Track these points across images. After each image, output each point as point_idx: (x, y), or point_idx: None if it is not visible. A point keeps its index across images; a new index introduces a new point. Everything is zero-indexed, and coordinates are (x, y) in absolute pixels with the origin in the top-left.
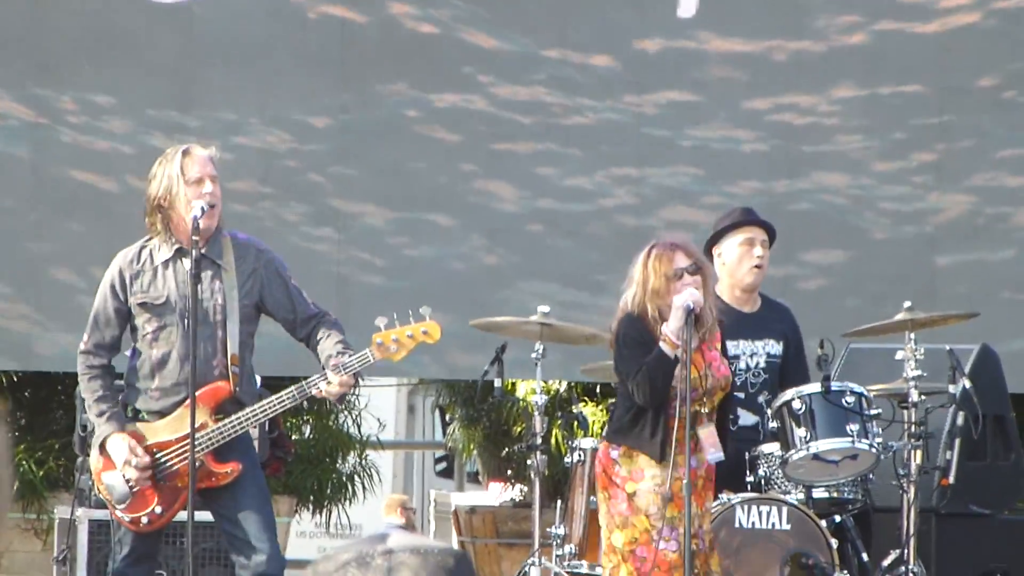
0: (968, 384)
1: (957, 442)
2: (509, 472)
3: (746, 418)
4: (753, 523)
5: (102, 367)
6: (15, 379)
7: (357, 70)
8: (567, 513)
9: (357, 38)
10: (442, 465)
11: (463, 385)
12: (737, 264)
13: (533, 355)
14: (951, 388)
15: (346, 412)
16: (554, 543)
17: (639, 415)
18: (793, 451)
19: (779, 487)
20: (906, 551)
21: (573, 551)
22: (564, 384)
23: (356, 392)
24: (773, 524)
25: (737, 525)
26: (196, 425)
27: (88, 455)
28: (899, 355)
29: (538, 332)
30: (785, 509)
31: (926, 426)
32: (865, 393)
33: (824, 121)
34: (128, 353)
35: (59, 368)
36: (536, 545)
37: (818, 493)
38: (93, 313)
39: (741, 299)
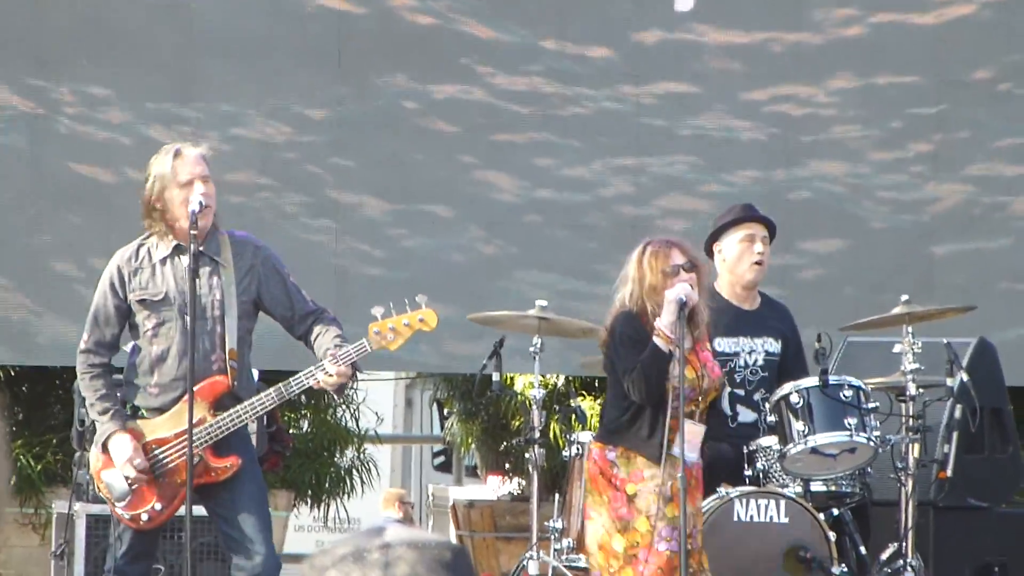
0: (966, 377)
1: (955, 435)
2: (507, 466)
3: (745, 415)
4: (751, 516)
5: (103, 366)
6: (12, 373)
7: (355, 61)
8: (565, 507)
9: (355, 29)
10: (440, 459)
11: (461, 379)
12: (737, 260)
13: (531, 349)
14: (949, 381)
15: (344, 406)
16: (552, 537)
17: (637, 415)
18: (791, 445)
19: (777, 480)
20: (904, 544)
21: (571, 545)
22: (562, 378)
23: (354, 386)
24: (771, 517)
25: (735, 518)
26: (195, 420)
27: (86, 450)
28: (897, 348)
29: (536, 326)
30: (783, 502)
31: (924, 419)
32: (863, 387)
33: (821, 112)
34: (128, 349)
35: (59, 361)
36: (534, 539)
37: (816, 486)
38: (92, 311)
39: (741, 296)
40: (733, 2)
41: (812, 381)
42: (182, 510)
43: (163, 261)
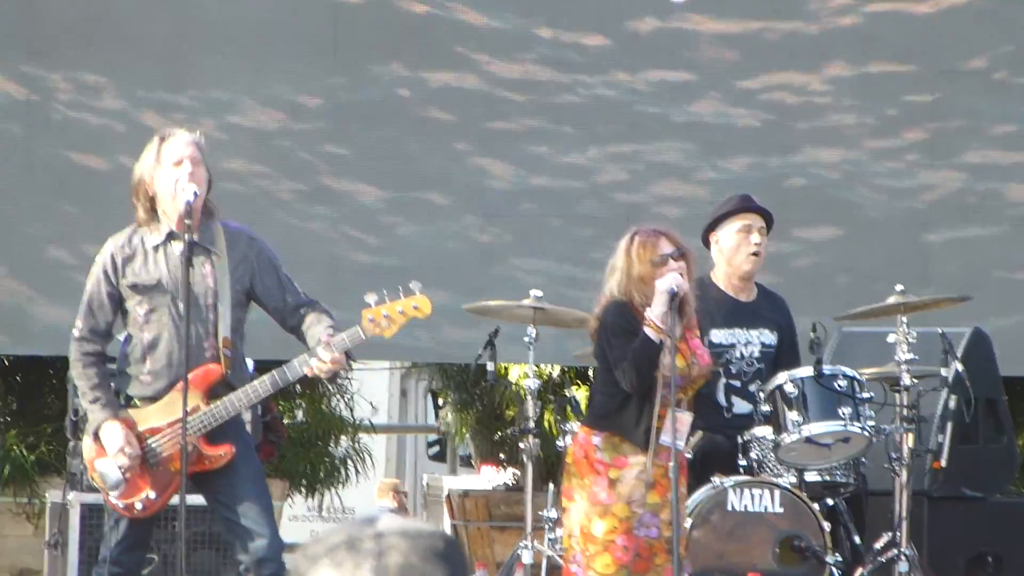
0: (960, 367)
1: (949, 425)
2: (502, 456)
3: (740, 406)
4: (745, 506)
5: (96, 354)
6: (6, 363)
7: (350, 49)
8: (560, 497)
9: (350, 17)
10: (435, 449)
11: (456, 369)
12: (734, 251)
13: (526, 339)
14: (943, 371)
15: (339, 396)
16: (546, 526)
17: (625, 402)
18: (785, 434)
19: (771, 470)
20: (898, 534)
21: None
22: (557, 368)
23: (349, 375)
24: (765, 507)
25: (729, 508)
26: (188, 408)
27: (80, 439)
28: (891, 338)
29: (531, 316)
30: (777, 492)
31: (918, 409)
32: (857, 376)
33: (816, 99)
34: (121, 339)
35: (53, 350)
36: (529, 528)
37: (810, 476)
38: (86, 299)
39: (738, 287)
40: None
41: (807, 371)
42: (176, 499)
43: (156, 248)
